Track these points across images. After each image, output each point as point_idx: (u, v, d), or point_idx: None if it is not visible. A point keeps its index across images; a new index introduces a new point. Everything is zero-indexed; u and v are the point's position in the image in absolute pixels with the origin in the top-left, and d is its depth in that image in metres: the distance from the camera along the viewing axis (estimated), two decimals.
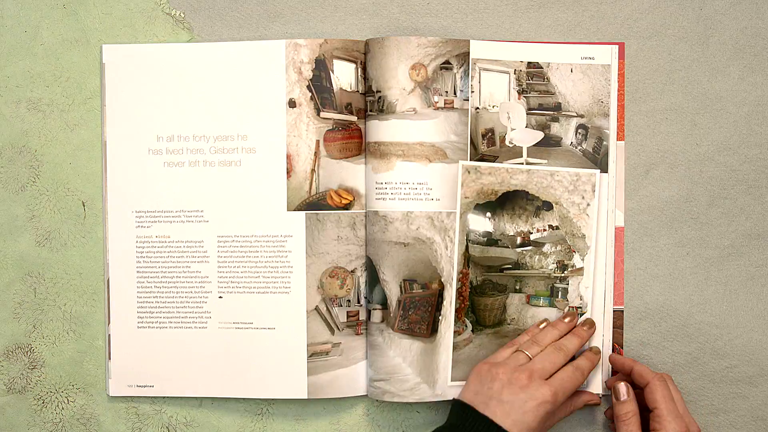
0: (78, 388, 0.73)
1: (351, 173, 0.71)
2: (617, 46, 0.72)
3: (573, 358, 0.68)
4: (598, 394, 0.71)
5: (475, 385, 0.64)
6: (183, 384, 0.72)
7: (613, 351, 0.72)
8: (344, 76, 0.71)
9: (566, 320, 0.70)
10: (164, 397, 0.72)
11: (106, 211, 0.72)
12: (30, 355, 0.73)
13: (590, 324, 0.70)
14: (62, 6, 0.73)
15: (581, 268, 0.71)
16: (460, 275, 0.71)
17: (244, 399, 0.72)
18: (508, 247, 0.72)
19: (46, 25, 0.73)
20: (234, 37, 0.72)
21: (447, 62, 0.71)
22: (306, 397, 0.71)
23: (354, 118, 0.71)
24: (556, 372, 0.65)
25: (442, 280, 0.71)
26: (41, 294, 0.73)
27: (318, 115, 0.71)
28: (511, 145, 0.72)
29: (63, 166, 0.73)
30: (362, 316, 0.72)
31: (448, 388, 0.71)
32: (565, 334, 0.69)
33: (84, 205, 0.73)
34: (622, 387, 0.68)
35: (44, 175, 0.73)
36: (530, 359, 0.65)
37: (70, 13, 0.73)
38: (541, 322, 0.70)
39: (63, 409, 0.73)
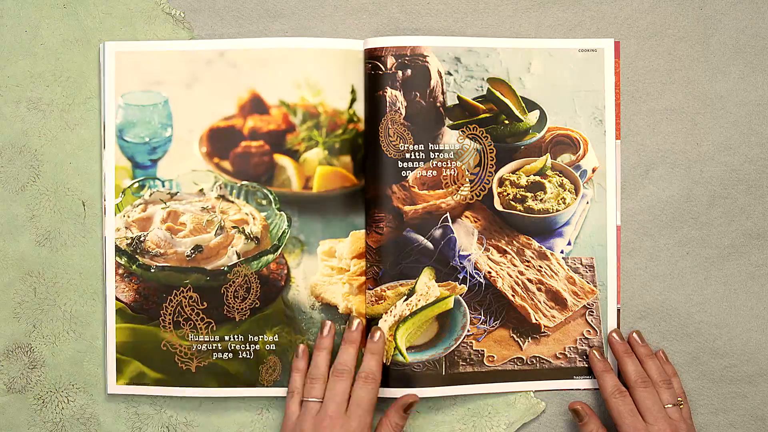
0: (78, 387, 0.73)
1: None
2: (613, 41, 0.72)
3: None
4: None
5: None
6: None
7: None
8: None
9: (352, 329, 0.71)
10: (164, 397, 0.72)
11: (104, 210, 0.72)
12: (30, 355, 0.73)
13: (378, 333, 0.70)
14: (62, 6, 0.73)
15: None
16: None
17: (244, 399, 0.72)
18: None
19: (46, 24, 0.72)
20: (233, 36, 0.72)
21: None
22: None
23: None
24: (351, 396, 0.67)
25: None
26: (41, 294, 0.73)
27: None
28: None
29: (63, 166, 0.73)
30: None
31: None
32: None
33: (84, 205, 0.73)
34: (580, 410, 0.70)
35: (44, 175, 0.73)
36: (321, 402, 0.67)
37: (70, 13, 0.73)
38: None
39: (63, 408, 0.73)
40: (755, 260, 0.73)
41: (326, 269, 0.72)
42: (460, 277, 0.72)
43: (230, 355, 0.72)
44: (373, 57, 0.71)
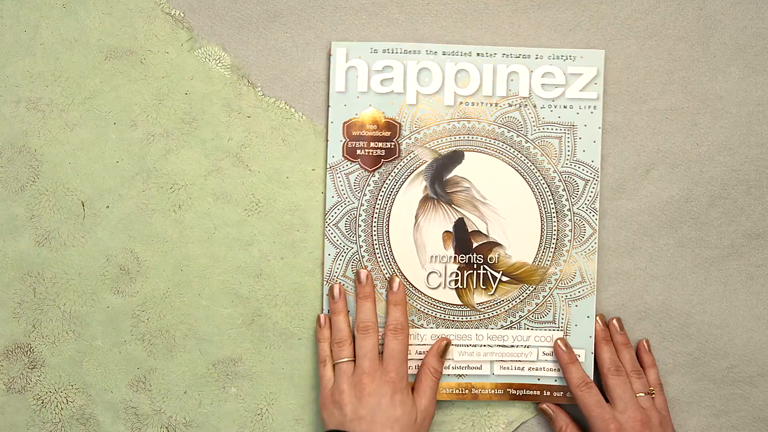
0: (77, 388, 0.73)
1: None
2: (603, 52, 0.71)
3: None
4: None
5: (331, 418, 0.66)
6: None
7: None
8: None
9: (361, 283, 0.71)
10: (164, 397, 0.72)
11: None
12: (30, 355, 0.73)
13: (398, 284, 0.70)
14: (62, 6, 0.73)
15: None
16: None
17: (243, 399, 0.72)
18: None
19: (46, 24, 0.73)
20: (234, 37, 0.73)
21: None
22: None
23: None
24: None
25: None
26: (41, 294, 0.73)
27: None
28: None
29: (63, 166, 0.73)
30: None
31: None
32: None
33: (84, 205, 0.73)
34: (546, 409, 0.71)
35: (44, 175, 0.73)
36: (353, 362, 0.68)
37: (70, 12, 0.73)
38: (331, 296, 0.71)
39: (63, 409, 0.73)
40: (755, 260, 0.73)
41: None
42: None
43: None
44: None
